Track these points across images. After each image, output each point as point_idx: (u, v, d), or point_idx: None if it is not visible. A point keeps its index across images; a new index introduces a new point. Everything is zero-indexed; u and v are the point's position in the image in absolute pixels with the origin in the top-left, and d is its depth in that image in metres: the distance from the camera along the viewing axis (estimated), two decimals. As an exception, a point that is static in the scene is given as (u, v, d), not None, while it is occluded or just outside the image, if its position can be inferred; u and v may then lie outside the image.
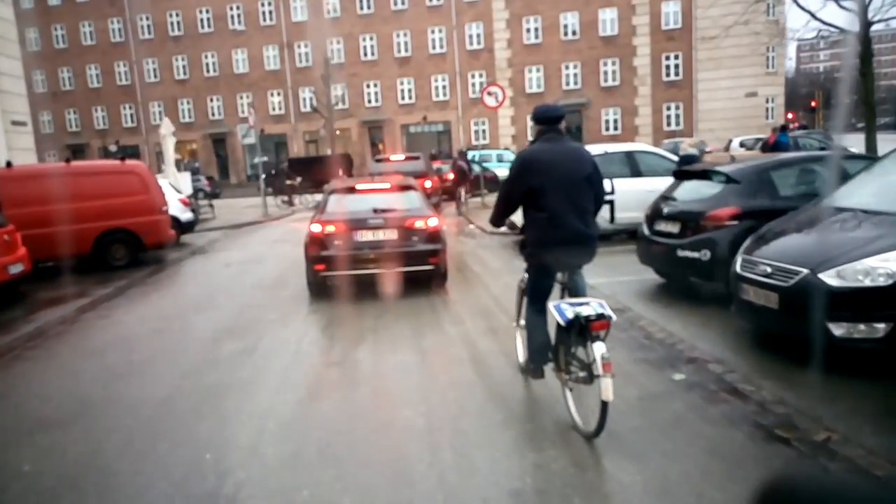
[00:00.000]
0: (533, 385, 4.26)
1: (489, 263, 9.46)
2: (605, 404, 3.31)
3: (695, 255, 6.05)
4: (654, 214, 6.89)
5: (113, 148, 40.92)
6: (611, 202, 10.45)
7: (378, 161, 17.02)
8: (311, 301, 7.36)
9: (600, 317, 3.43)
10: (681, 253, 6.21)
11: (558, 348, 3.82)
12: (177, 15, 40.31)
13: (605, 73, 36.62)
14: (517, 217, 4.12)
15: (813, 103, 31.75)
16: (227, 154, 41.43)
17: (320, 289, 7.69)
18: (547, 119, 3.95)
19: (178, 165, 39.50)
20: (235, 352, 5.41)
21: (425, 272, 7.71)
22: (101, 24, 41.08)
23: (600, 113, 36.86)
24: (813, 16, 13.81)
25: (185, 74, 40.74)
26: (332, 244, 7.38)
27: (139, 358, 5.48)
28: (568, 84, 37.00)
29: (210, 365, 5.11)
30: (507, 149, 32.25)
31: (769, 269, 4.52)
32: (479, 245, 11.46)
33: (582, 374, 3.55)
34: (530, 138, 4.40)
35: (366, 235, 7.42)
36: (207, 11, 39.92)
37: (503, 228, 4.29)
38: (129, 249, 10.83)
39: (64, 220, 10.07)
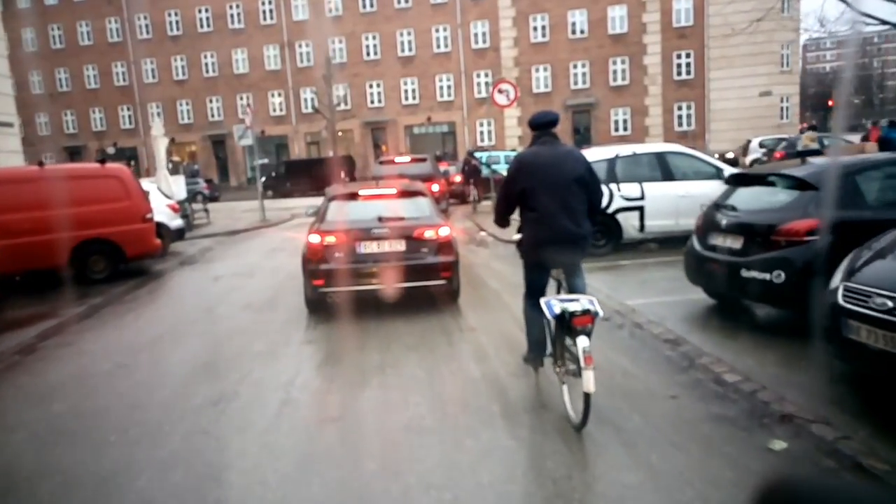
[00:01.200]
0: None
1: (507, 278, 8.42)
2: (587, 396, 3.46)
3: (764, 276, 5.03)
4: (708, 226, 5.87)
5: (111, 150, 40.02)
6: (640, 208, 9.48)
7: (382, 163, 15.93)
8: (306, 326, 6.35)
9: (585, 312, 3.57)
10: (745, 273, 5.18)
11: (556, 343, 3.99)
12: (175, 14, 39.43)
13: (615, 72, 35.57)
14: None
15: (830, 102, 30.52)
16: (227, 156, 40.50)
17: (319, 306, 6.82)
18: (540, 124, 4.22)
19: (178, 168, 38.78)
20: (209, 400, 4.39)
21: (436, 287, 6.83)
22: (99, 23, 40.25)
23: (609, 113, 35.80)
24: (849, 5, 12.83)
25: (184, 75, 39.87)
26: (332, 257, 6.57)
27: (91, 408, 4.46)
28: (576, 83, 35.96)
29: (175, 421, 4.09)
30: (514, 150, 31.25)
31: (891, 304, 3.50)
32: (494, 255, 10.44)
33: (572, 366, 3.70)
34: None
35: (370, 247, 6.60)
36: (207, 11, 39.05)
37: (515, 237, 4.42)
38: (109, 261, 9.86)
39: (36, 230, 9.14)
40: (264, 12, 38.51)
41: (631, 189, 9.41)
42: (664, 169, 9.63)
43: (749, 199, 5.72)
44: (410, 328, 6.00)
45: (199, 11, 39.13)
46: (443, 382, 4.54)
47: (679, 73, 35.21)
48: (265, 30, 38.59)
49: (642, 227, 9.49)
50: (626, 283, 7.65)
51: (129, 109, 40.85)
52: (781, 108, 34.96)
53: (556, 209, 3.96)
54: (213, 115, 39.75)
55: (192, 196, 23.97)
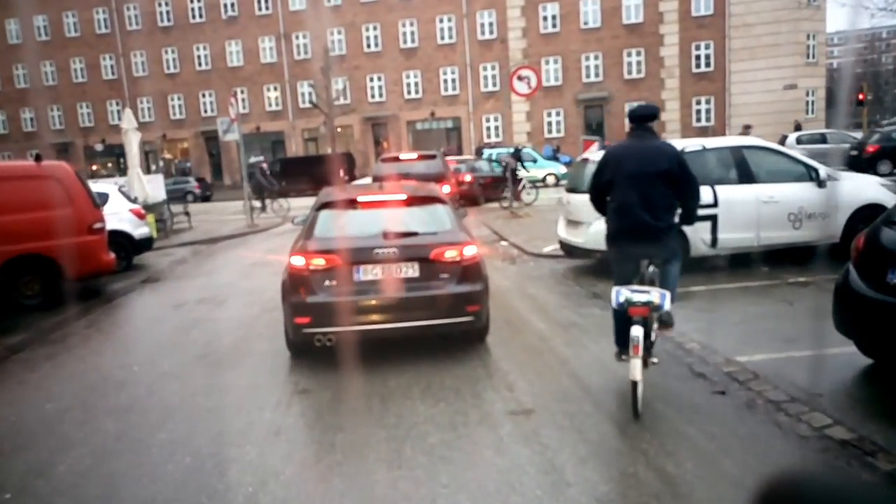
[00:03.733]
0: None
1: (553, 312, 6.43)
2: (634, 384, 3.59)
3: None
4: (884, 256, 3.87)
5: (99, 147, 38.13)
6: (712, 217, 7.48)
7: (384, 161, 13.84)
8: (277, 401, 4.33)
9: (645, 304, 3.68)
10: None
11: None
12: (166, 4, 37.62)
13: (629, 64, 33.67)
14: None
15: (860, 96, 28.46)
16: (220, 153, 38.54)
17: (303, 352, 5.05)
18: (634, 118, 4.32)
19: (170, 166, 36.75)
20: None
21: (459, 326, 4.93)
22: (86, 14, 38.46)
23: (623, 108, 33.66)
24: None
25: (175, 68, 38.02)
26: (321, 285, 4.82)
27: None
28: (588, 76, 34.03)
29: None
30: (523, 147, 29.23)
31: None
32: (525, 275, 8.45)
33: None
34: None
35: (371, 272, 4.87)
36: (199, 0, 37.18)
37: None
38: (45, 283, 7.89)
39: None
40: (259, 2, 36.72)
41: (701, 193, 7.42)
42: (742, 168, 7.66)
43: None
44: (432, 409, 3.99)
45: (192, 1, 37.37)
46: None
47: (698, 66, 33.30)
48: (260, 20, 36.74)
49: (714, 242, 7.52)
50: (714, 322, 5.67)
51: (117, 104, 38.86)
52: (807, 102, 32.99)
53: (634, 201, 4.00)
54: (205, 111, 37.84)
55: (183, 195, 21.99)
